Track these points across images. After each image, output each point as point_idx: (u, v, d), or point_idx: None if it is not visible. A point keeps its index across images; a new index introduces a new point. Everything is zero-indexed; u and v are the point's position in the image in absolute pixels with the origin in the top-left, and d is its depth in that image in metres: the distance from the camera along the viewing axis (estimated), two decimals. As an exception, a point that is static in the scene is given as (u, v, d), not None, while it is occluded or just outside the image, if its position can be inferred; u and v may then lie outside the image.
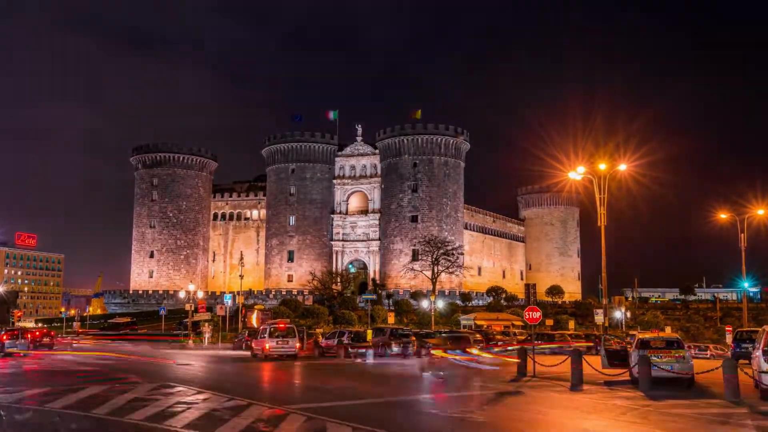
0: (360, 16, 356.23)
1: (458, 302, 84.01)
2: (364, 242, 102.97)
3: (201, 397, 17.38)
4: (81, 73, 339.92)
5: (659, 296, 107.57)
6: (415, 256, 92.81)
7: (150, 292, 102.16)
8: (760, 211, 47.58)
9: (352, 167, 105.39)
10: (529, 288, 78.47)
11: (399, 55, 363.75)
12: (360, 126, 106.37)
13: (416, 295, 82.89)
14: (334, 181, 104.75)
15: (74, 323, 78.07)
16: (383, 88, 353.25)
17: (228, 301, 64.82)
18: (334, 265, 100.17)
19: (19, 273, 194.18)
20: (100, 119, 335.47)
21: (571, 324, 64.83)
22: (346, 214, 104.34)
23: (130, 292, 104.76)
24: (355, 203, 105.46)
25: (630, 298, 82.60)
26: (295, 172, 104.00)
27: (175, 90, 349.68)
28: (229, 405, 15.73)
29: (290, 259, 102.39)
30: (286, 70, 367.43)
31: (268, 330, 36.46)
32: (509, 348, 39.98)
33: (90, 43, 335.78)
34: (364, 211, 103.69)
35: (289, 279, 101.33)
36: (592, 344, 43.30)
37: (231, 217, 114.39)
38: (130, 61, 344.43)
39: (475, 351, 34.73)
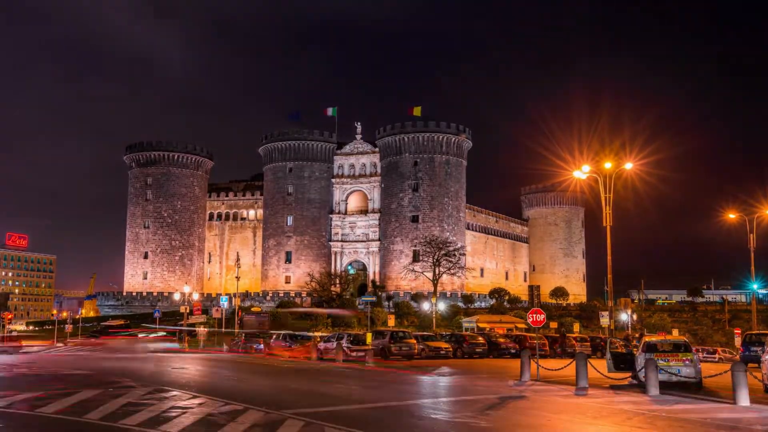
0: (359, 13, 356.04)
1: (460, 304, 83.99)
2: (364, 243, 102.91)
3: (196, 401, 17.36)
4: (75, 70, 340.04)
5: (666, 298, 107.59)
6: (415, 257, 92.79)
7: (144, 293, 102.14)
8: (770, 211, 47.50)
9: (352, 166, 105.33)
10: (533, 290, 78.61)
11: (399, 51, 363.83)
12: (359, 124, 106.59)
13: (417, 297, 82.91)
14: (333, 180, 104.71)
15: (66, 326, 77.95)
16: (383, 85, 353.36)
17: (224, 303, 64.74)
18: (332, 267, 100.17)
19: (10, 274, 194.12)
20: (93, 117, 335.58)
21: (576, 327, 64.83)
22: (345, 214, 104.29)
23: (124, 293, 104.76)
24: (354, 203, 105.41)
25: (636, 300, 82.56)
26: (292, 171, 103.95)
27: (169, 87, 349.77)
28: (225, 410, 15.71)
29: (288, 260, 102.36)
30: (285, 66, 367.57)
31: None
32: None
33: (81, 40, 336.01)
34: (364, 211, 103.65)
35: (287, 280, 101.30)
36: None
37: (227, 217, 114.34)
38: (125, 58, 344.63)
39: None
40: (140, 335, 65.78)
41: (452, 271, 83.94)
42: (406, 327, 62.48)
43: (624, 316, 66.46)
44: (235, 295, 72.94)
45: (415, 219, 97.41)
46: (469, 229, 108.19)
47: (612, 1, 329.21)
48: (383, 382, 25.43)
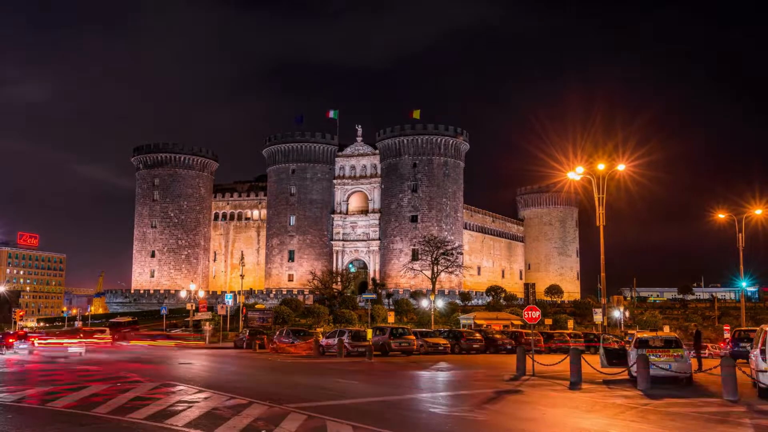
0: (360, 16, 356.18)
1: (458, 302, 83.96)
2: (364, 242, 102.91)
3: (202, 396, 17.38)
4: (80, 71, 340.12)
5: (658, 296, 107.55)
6: (414, 256, 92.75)
7: (151, 291, 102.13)
8: (758, 211, 47.55)
9: (352, 167, 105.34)
10: (529, 287, 78.36)
11: (399, 54, 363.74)
12: (360, 126, 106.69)
13: (416, 294, 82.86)
14: (335, 181, 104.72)
15: (76, 322, 78.14)
16: (383, 88, 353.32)
17: (229, 300, 64.73)
18: (334, 265, 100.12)
19: (21, 273, 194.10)
20: (101, 119, 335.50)
21: (570, 323, 64.83)
22: (347, 214, 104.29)
23: (132, 291, 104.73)
24: (355, 203, 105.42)
25: (629, 298, 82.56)
26: (295, 172, 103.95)
27: (176, 90, 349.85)
28: (229, 404, 15.72)
29: (291, 258, 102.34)
30: (286, 70, 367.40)
31: None
32: None
33: (91, 40, 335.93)
34: (364, 211, 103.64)
35: (290, 279, 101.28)
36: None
37: (232, 217, 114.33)
38: (129, 59, 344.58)
39: None
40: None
41: (450, 269, 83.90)
42: (405, 324, 62.50)
43: (617, 313, 66.43)
44: (239, 292, 72.99)
45: (414, 219, 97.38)
46: (466, 228, 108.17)
47: (606, 6, 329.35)
48: (383, 377, 25.44)
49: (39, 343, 45.81)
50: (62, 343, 44.04)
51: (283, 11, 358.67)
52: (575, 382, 21.71)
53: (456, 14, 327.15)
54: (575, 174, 33.13)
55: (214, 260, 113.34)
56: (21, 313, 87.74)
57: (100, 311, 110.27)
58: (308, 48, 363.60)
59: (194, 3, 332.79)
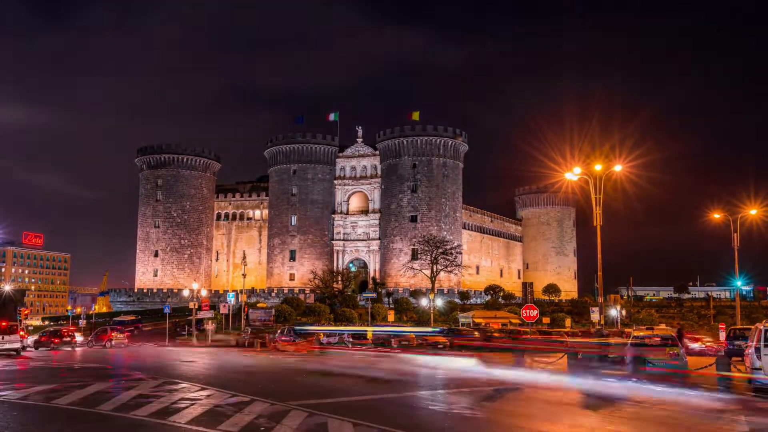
0: (360, 17, 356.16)
1: (457, 300, 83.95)
2: (365, 242, 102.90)
3: (204, 393, 17.36)
4: (84, 73, 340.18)
5: (654, 294, 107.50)
6: (414, 256, 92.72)
7: (155, 290, 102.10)
8: (753, 211, 47.49)
9: (353, 168, 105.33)
10: (527, 287, 78.43)
11: (398, 56, 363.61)
12: (360, 127, 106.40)
13: (416, 293, 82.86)
14: (335, 181, 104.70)
15: (80, 321, 78.11)
16: (383, 89, 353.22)
17: (231, 299, 64.79)
18: (334, 264, 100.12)
19: (26, 272, 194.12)
20: (105, 120, 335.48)
21: (568, 322, 64.83)
22: (347, 214, 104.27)
23: (135, 290, 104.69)
24: (355, 203, 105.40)
25: (625, 297, 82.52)
26: (296, 173, 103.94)
27: (179, 91, 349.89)
28: (232, 401, 15.71)
29: (292, 258, 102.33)
30: (287, 71, 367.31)
31: None
32: None
33: (97, 43, 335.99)
34: (365, 211, 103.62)
35: (291, 278, 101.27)
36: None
37: (234, 217, 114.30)
38: (134, 61, 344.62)
39: None
40: None
41: (449, 268, 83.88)
42: (404, 322, 62.57)
43: (614, 312, 66.40)
44: (241, 291, 73.03)
45: (413, 219, 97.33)
46: (465, 228, 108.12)
47: (603, 9, 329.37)
48: (383, 375, 25.41)
49: None
50: None
51: (275, 39, 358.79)
52: (572, 380, 21.70)
53: (456, 16, 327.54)
54: (573, 174, 33.15)
55: (217, 260, 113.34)
56: (26, 312, 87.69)
57: (104, 310, 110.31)
58: (310, 61, 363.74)
59: (196, 7, 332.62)
